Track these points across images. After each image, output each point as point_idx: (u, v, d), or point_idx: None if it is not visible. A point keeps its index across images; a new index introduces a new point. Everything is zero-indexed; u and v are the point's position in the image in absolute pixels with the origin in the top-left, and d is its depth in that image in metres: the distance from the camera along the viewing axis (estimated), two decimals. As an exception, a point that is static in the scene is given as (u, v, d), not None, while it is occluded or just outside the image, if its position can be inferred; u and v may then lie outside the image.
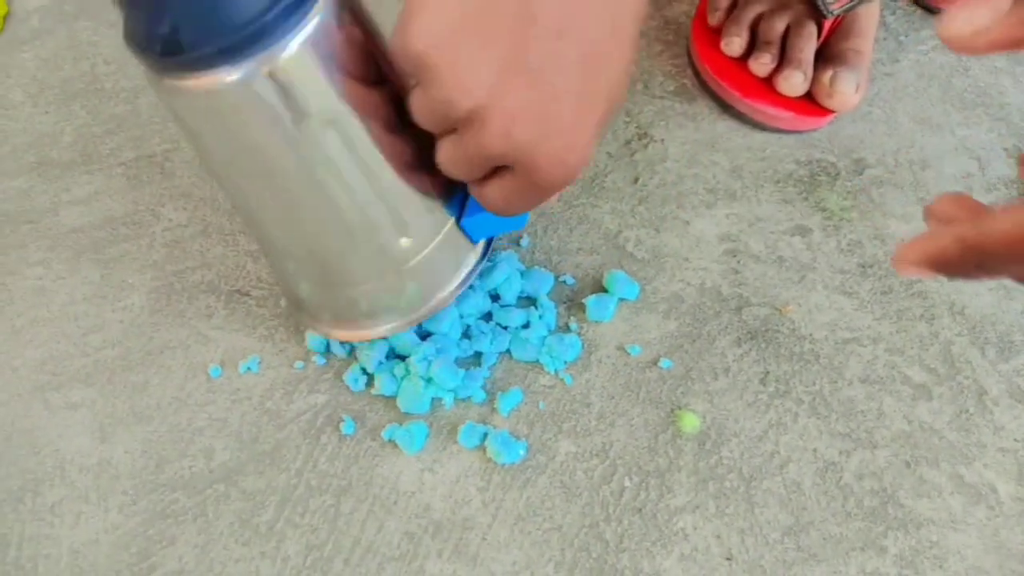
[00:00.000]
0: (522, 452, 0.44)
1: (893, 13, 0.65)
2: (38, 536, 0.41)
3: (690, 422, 0.45)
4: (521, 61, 0.29)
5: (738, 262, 0.51)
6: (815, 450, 0.44)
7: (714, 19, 0.59)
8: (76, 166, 0.56)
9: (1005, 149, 0.57)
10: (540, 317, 0.48)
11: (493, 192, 0.35)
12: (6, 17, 0.65)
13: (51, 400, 0.46)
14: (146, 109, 0.59)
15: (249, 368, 0.47)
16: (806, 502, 0.42)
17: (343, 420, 0.45)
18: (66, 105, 0.60)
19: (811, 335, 0.48)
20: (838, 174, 0.56)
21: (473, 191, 0.36)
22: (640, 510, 0.42)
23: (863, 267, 0.51)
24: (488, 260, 0.43)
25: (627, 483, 0.43)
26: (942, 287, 0.50)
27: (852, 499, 0.43)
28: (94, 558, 0.41)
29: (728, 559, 0.41)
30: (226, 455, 0.44)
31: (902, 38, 0.64)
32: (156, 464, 0.44)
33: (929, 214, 0.28)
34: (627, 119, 0.58)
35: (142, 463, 0.44)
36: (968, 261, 0.25)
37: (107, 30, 0.65)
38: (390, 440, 0.44)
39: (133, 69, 0.62)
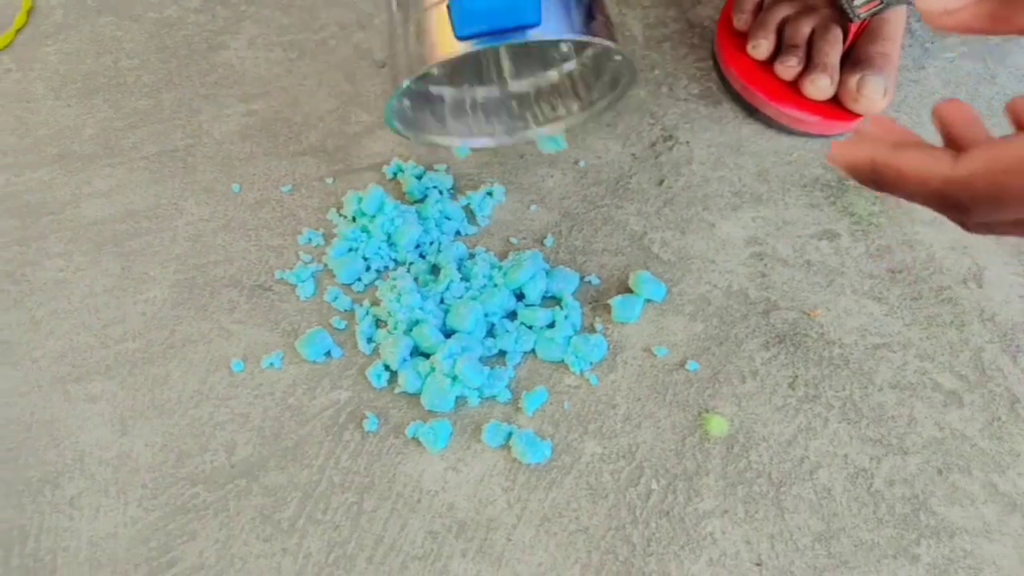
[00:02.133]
0: (547, 452, 0.43)
1: (919, 20, 0.65)
2: (57, 528, 0.41)
3: (718, 425, 0.44)
4: None
5: (765, 265, 0.50)
6: (846, 456, 0.43)
7: (740, 22, 0.59)
8: (98, 159, 0.56)
9: (1034, 157, 0.56)
10: (565, 317, 0.47)
11: None
12: (30, 11, 0.65)
13: (71, 392, 0.45)
14: (169, 104, 0.59)
15: (272, 363, 0.46)
16: (837, 508, 0.42)
17: (366, 417, 0.44)
18: (88, 99, 0.60)
19: (840, 340, 0.47)
20: (866, 179, 0.55)
21: None
22: (668, 513, 0.42)
23: (892, 273, 0.50)
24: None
25: (654, 486, 0.42)
26: (971, 294, 0.50)
27: (884, 506, 0.42)
28: (113, 551, 0.40)
29: (758, 564, 0.40)
30: (248, 450, 0.43)
31: (928, 45, 0.64)
32: (177, 458, 0.43)
33: (935, 115, 0.31)
34: (652, 121, 0.58)
35: (162, 457, 0.43)
36: (867, 176, 0.30)
37: (130, 24, 0.64)
38: (413, 438, 0.44)
39: (156, 64, 0.62)
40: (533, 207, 0.53)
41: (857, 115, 0.55)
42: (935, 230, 0.52)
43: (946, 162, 0.28)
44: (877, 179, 0.30)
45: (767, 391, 0.46)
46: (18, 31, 0.64)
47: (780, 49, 0.58)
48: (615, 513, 0.42)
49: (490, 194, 0.54)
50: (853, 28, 0.57)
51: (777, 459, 0.43)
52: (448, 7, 0.39)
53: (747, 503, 0.42)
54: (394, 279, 0.49)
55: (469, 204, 0.53)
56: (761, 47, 0.57)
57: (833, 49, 0.56)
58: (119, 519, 0.41)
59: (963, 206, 0.28)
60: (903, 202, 0.54)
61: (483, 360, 0.46)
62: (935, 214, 0.53)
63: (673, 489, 0.42)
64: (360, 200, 0.52)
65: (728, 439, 0.44)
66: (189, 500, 0.42)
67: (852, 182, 0.55)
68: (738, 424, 0.44)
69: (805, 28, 0.58)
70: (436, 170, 0.54)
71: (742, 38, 0.59)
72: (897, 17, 0.58)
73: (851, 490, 0.42)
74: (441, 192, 0.53)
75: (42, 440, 0.44)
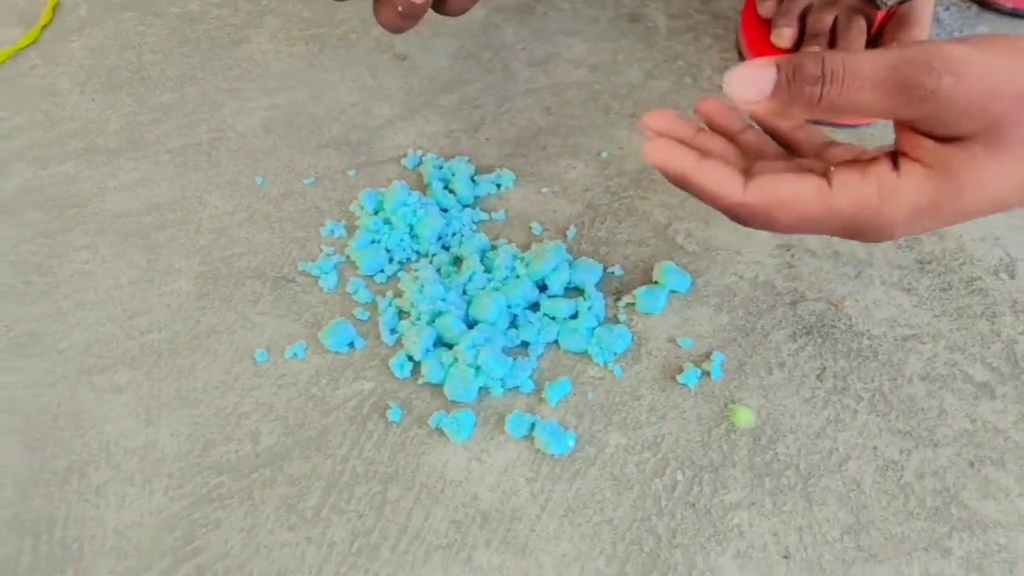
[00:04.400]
0: (571, 443, 0.43)
1: (947, 8, 0.64)
2: (83, 517, 0.41)
3: (744, 417, 0.44)
4: None
5: (792, 256, 0.50)
6: (875, 448, 0.43)
7: (765, 9, 0.58)
8: (123, 153, 0.57)
9: (1067, 146, 0.55)
10: (589, 308, 0.47)
11: None
12: (55, 7, 0.66)
13: (96, 383, 0.46)
14: (193, 98, 0.60)
15: (295, 354, 0.46)
16: (866, 500, 0.41)
17: (389, 407, 0.44)
18: (113, 93, 0.60)
19: (869, 331, 0.47)
20: (893, 169, 0.54)
21: None
22: (694, 505, 0.41)
23: (921, 263, 0.50)
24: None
25: (680, 477, 0.42)
26: (1003, 285, 0.49)
27: (914, 498, 0.41)
28: (138, 540, 0.40)
29: (785, 557, 0.40)
30: (272, 440, 0.43)
31: (956, 34, 0.63)
32: (202, 447, 0.43)
33: (644, 126, 0.39)
34: (676, 112, 0.57)
35: (188, 446, 0.43)
36: (676, 182, 0.35)
37: (153, 19, 0.65)
38: (437, 428, 0.43)
39: (179, 58, 0.62)
40: (555, 198, 0.53)
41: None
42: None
43: (737, 187, 0.34)
44: (683, 187, 0.36)
45: (795, 383, 0.45)
46: (44, 27, 0.65)
47: (804, 38, 0.57)
48: (640, 504, 0.41)
49: (498, 185, 0.54)
50: (879, 16, 0.56)
51: (805, 451, 0.43)
52: None
53: (774, 495, 0.41)
54: (417, 270, 0.49)
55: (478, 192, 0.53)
56: (784, 35, 0.56)
57: (857, 38, 0.56)
58: (144, 508, 0.41)
59: (745, 223, 0.35)
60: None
61: (506, 351, 0.46)
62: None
63: (699, 480, 0.42)
64: (379, 198, 0.52)
65: (755, 431, 0.43)
66: (214, 489, 0.42)
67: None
68: (765, 416, 0.44)
69: (828, 17, 0.57)
70: (456, 160, 0.54)
71: (766, 28, 0.58)
72: (924, 5, 0.57)
73: (880, 482, 0.42)
74: (449, 185, 0.53)
75: (68, 430, 0.44)
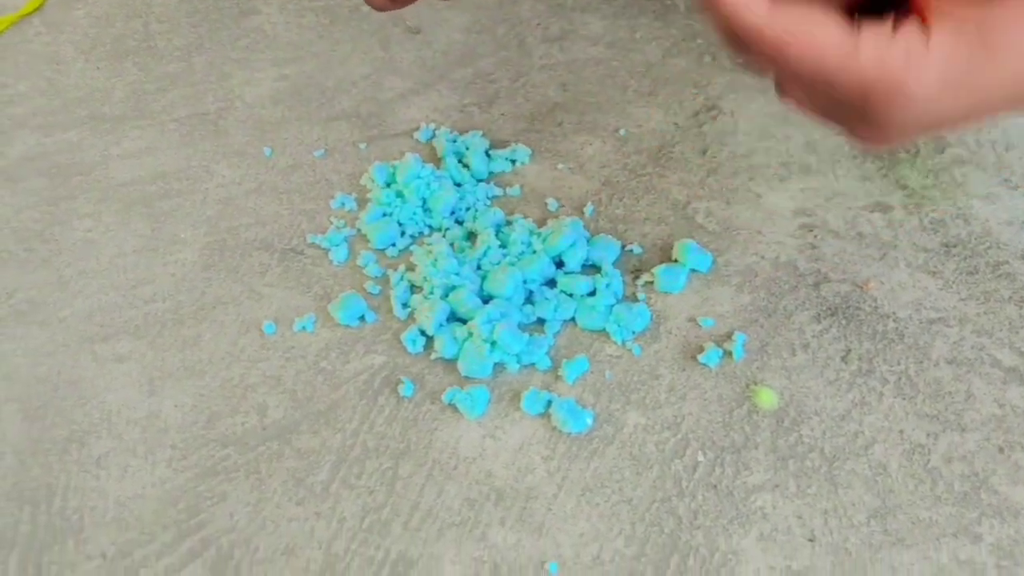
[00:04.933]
0: (589, 421, 0.42)
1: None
2: (84, 488, 0.40)
3: (767, 398, 0.42)
4: None
5: (815, 237, 0.49)
6: (901, 431, 0.41)
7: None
8: (128, 121, 0.55)
9: (1095, 131, 0.54)
10: (607, 285, 0.46)
11: None
12: (60, -26, 0.64)
13: (99, 352, 0.44)
14: (200, 68, 0.58)
15: (304, 327, 0.45)
16: (893, 484, 0.40)
17: (401, 382, 0.43)
18: (118, 62, 0.59)
19: (894, 314, 0.46)
20: (918, 152, 0.53)
21: None
22: (715, 486, 0.40)
23: (946, 247, 0.48)
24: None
25: (701, 458, 0.41)
26: (1031, 270, 0.48)
27: (942, 483, 0.40)
28: (140, 512, 0.39)
29: (811, 540, 0.38)
30: (279, 413, 0.42)
31: (981, 19, 0.61)
32: (207, 419, 0.42)
33: None
34: (695, 91, 0.56)
35: (192, 418, 0.42)
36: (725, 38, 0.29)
37: (162, -11, 0.63)
38: (450, 404, 0.42)
39: (186, 28, 0.61)
40: (572, 175, 0.52)
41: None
42: (991, 204, 0.50)
43: (763, 4, 0.27)
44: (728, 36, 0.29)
45: (819, 364, 0.44)
46: (48, -6, 0.63)
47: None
48: (660, 485, 0.40)
49: (513, 161, 0.52)
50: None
51: (830, 433, 0.41)
52: None
53: (799, 478, 0.40)
54: (430, 244, 0.47)
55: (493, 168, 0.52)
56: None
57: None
58: (147, 480, 0.40)
59: (748, 55, 0.28)
60: (957, 176, 0.52)
61: (521, 327, 0.45)
62: (990, 189, 0.51)
63: (721, 462, 0.41)
64: (392, 171, 0.51)
65: (778, 412, 0.42)
66: (219, 462, 0.40)
67: (904, 153, 0.53)
68: (788, 397, 0.43)
69: (854, -4, 0.56)
70: (471, 135, 0.53)
71: (789, 6, 0.57)
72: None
73: (907, 467, 0.40)
74: (463, 160, 0.52)
75: (69, 399, 0.43)
